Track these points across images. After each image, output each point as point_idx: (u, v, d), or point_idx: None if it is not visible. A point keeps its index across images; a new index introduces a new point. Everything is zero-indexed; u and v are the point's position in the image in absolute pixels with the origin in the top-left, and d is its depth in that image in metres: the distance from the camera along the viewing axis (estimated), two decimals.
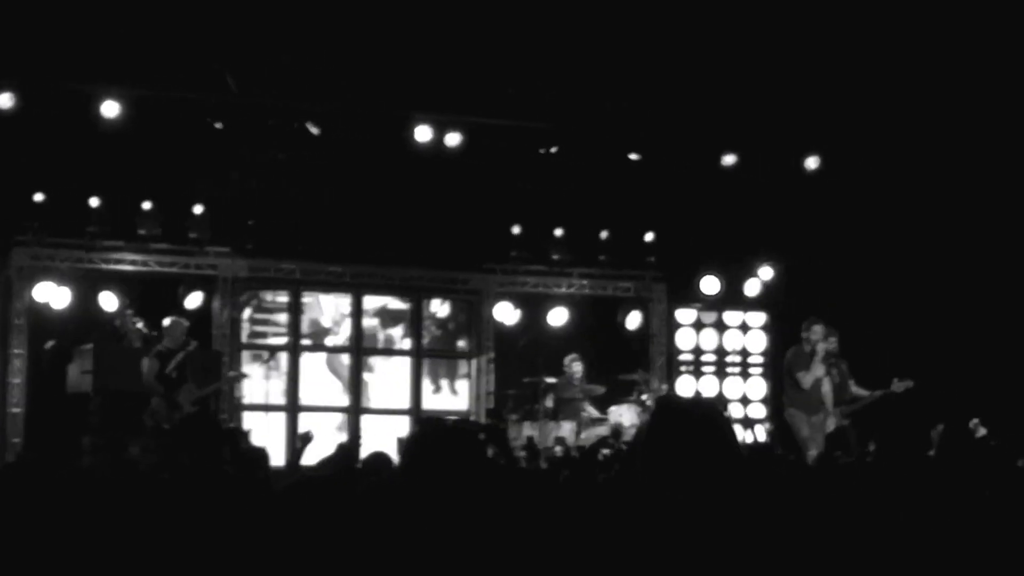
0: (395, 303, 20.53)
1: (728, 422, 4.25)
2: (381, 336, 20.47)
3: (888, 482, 7.51)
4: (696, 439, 4.08)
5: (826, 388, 16.46)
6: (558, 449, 16.61)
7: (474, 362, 20.43)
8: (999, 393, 18.29)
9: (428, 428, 4.67)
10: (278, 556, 5.52)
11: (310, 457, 11.00)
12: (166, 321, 16.70)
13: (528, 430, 18.14)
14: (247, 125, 18.68)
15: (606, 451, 13.29)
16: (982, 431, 16.20)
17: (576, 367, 18.86)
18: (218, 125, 18.46)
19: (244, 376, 18.69)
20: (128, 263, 18.71)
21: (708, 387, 21.48)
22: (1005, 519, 5.96)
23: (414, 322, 20.43)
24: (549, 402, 18.71)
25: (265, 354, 19.83)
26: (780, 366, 20.24)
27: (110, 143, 17.96)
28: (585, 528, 4.09)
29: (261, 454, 9.90)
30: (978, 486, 7.03)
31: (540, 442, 17.20)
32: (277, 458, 12.86)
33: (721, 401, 21.14)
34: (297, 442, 11.65)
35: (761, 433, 20.98)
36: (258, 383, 19.54)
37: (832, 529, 5.94)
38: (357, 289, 20.05)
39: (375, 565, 4.35)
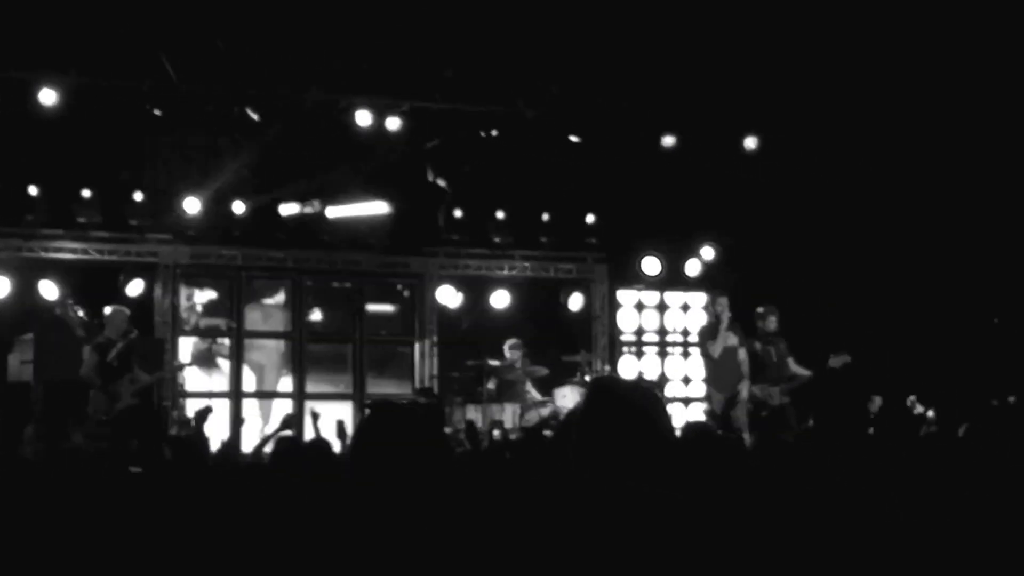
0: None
1: (662, 404, 4.26)
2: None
3: (827, 459, 7.59)
4: (629, 420, 4.09)
5: (742, 357, 16.62)
6: (496, 432, 16.66)
7: (417, 346, 20.44)
8: (935, 367, 18.53)
9: (379, 410, 4.61)
10: (218, 541, 5.55)
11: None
12: (107, 310, 16.61)
13: (472, 413, 18.22)
14: (186, 111, 18.60)
15: (549, 432, 13.34)
16: (919, 408, 16.41)
17: (516, 352, 18.92)
18: (157, 112, 18.38)
19: (186, 365, 18.61)
20: (68, 251, 18.62)
21: (650, 367, 21.58)
22: (947, 492, 6.04)
23: (356, 308, 20.41)
24: (492, 385, 18.78)
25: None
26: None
27: (48, 131, 17.82)
28: (523, 511, 4.11)
29: (199, 441, 9.94)
30: (917, 460, 7.12)
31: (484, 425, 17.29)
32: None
33: (663, 381, 21.29)
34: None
35: (701, 413, 21.14)
36: (199, 371, 19.53)
37: (770, 508, 6.01)
38: (298, 274, 20.02)
39: (319, 550, 4.35)
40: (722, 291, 17.17)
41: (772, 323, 16.89)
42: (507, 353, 18.91)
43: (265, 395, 19.81)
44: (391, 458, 4.28)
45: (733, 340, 16.67)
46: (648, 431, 4.10)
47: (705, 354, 17.08)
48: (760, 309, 17.05)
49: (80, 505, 6.28)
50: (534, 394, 18.87)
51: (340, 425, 12.02)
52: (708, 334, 16.95)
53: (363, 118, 18.80)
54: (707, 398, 17.60)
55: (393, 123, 18.98)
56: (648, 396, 4.24)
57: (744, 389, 16.49)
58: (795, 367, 16.90)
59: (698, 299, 21.75)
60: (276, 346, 20.25)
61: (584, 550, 3.86)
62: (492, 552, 4.04)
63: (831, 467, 6.78)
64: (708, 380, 17.33)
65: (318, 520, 4.93)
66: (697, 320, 21.79)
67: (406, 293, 20.94)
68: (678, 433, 14.49)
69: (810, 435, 12.00)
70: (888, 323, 19.75)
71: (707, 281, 21.33)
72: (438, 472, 4.27)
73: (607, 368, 20.56)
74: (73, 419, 15.45)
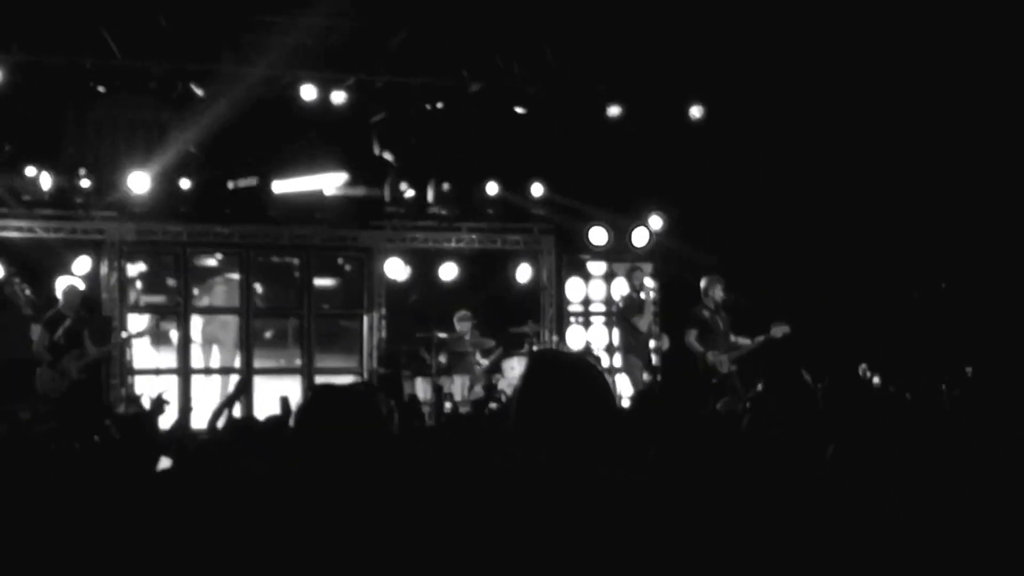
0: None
1: (602, 376, 4.24)
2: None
3: (772, 427, 7.70)
4: (568, 393, 4.08)
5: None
6: (447, 405, 16.75)
7: (365, 319, 20.46)
8: (882, 336, 18.72)
9: (321, 393, 4.66)
10: (163, 520, 5.59)
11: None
12: (61, 285, 16.58)
13: (421, 385, 18.30)
14: (129, 87, 18.55)
15: (493, 405, 13.45)
16: (868, 374, 16.64)
17: (465, 324, 19.00)
18: (100, 88, 18.32)
19: (133, 336, 18.57)
20: (13, 230, 18.53)
21: (598, 337, 21.67)
22: (895, 458, 6.13)
23: (304, 282, 20.43)
24: (442, 357, 18.85)
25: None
26: (668, 315, 20.59)
27: None
28: (455, 491, 4.16)
29: (144, 418, 9.96)
30: (867, 427, 7.21)
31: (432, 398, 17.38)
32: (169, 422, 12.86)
33: (611, 350, 21.42)
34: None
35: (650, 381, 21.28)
36: (147, 348, 19.53)
37: (718, 476, 6.09)
38: (245, 250, 20.01)
39: (261, 529, 4.38)
40: (638, 266, 17.81)
41: (718, 292, 17.12)
42: (457, 326, 18.99)
43: (212, 371, 19.85)
44: (331, 439, 4.33)
45: (650, 312, 17.38)
46: (587, 404, 4.09)
47: (628, 328, 17.54)
48: (707, 278, 17.25)
49: (28, 486, 6.32)
50: (484, 365, 18.96)
51: (284, 401, 12.05)
52: (634, 308, 17.46)
53: (308, 92, 18.78)
54: (627, 369, 18.05)
55: (338, 97, 18.98)
56: (588, 367, 4.23)
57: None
58: (735, 338, 17.12)
59: (645, 268, 21.83)
60: (235, 322, 20.22)
61: (508, 530, 3.90)
62: (425, 534, 4.09)
63: (779, 434, 6.88)
64: (626, 349, 17.82)
65: (260, 501, 4.96)
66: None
67: (348, 267, 20.96)
68: (628, 403, 14.58)
69: (757, 402, 12.14)
70: (836, 290, 19.91)
71: (654, 251, 21.48)
72: (375, 454, 4.30)
73: (555, 339, 20.65)
74: (22, 398, 15.46)
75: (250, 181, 19.29)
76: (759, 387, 16.10)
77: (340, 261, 21.07)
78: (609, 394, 4.20)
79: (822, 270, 20.10)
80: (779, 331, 16.82)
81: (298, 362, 20.13)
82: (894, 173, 19.78)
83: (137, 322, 19.38)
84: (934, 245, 20.06)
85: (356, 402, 4.47)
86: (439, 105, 19.93)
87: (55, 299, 16.46)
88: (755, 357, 17.01)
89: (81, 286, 16.76)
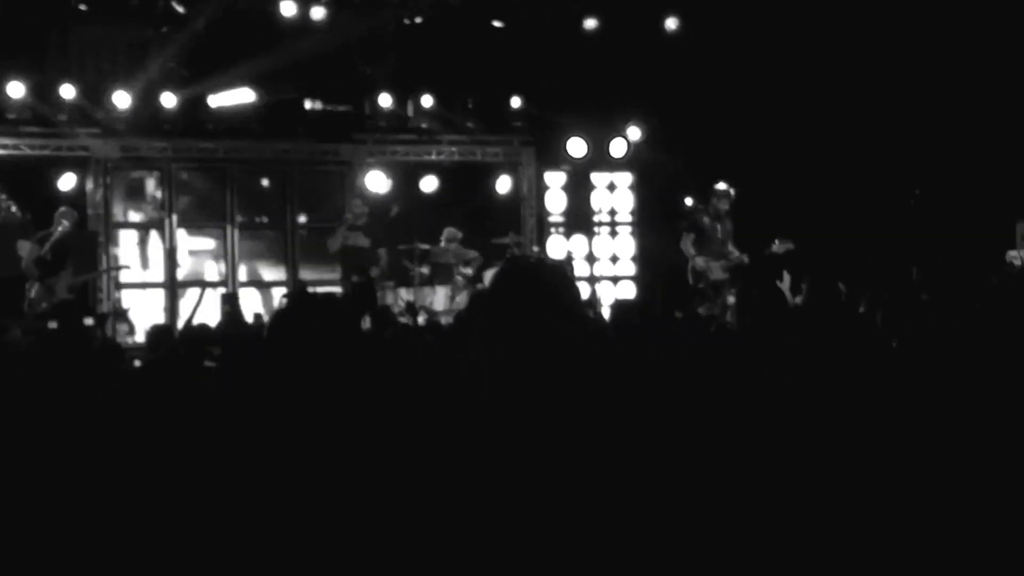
0: None
1: (572, 282, 4.19)
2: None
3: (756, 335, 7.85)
4: (537, 298, 4.05)
5: None
6: (421, 316, 16.94)
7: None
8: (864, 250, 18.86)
9: (296, 298, 4.53)
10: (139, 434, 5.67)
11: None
12: (62, 210, 16.91)
13: (404, 296, 18.53)
14: (111, 4, 18.65)
15: None
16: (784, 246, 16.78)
17: (452, 242, 19.02)
18: (82, 7, 18.42)
19: (124, 268, 18.87)
20: None
21: (578, 247, 21.93)
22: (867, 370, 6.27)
23: (287, 196, 20.62)
24: (424, 268, 19.06)
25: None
26: (648, 224, 20.86)
27: None
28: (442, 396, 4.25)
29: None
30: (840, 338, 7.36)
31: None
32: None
33: (591, 259, 21.73)
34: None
35: (631, 290, 21.58)
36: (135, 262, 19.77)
37: (699, 384, 6.30)
38: (228, 164, 20.20)
39: (234, 437, 4.35)
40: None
41: (724, 204, 17.27)
42: (443, 242, 19.07)
43: (201, 284, 20.09)
44: (306, 348, 4.28)
45: None
46: (555, 310, 4.03)
47: None
48: (718, 187, 17.38)
49: (17, 398, 6.37)
50: (466, 276, 19.13)
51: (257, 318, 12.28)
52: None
53: (288, 9, 18.91)
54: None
55: (318, 12, 19.11)
56: (557, 272, 4.15)
57: None
58: (732, 248, 17.31)
59: (624, 179, 22.09)
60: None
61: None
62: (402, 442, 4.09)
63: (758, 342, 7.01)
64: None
65: (226, 408, 5.08)
66: (624, 200, 22.15)
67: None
68: (607, 311, 14.83)
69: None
70: (818, 200, 19.99)
71: (633, 161, 21.69)
72: (351, 362, 4.33)
73: (536, 249, 20.86)
74: (9, 314, 15.67)
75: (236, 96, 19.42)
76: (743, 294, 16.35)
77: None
78: (576, 298, 4.15)
79: (805, 178, 20.14)
80: (782, 248, 16.89)
81: (283, 275, 20.34)
82: (873, 79, 19.84)
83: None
84: (917, 152, 20.12)
85: (333, 309, 4.39)
86: (418, 20, 20.05)
87: (43, 216, 16.70)
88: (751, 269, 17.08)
89: (75, 212, 17.08)
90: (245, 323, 14.61)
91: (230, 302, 17.65)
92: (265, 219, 20.89)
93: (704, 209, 17.43)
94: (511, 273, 4.22)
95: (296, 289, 17.36)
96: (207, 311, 16.57)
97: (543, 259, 4.76)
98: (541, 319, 4.02)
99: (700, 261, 17.14)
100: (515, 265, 4.36)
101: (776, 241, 17.00)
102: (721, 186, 17.43)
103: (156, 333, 10.93)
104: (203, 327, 10.16)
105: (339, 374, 4.24)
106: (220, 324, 13.60)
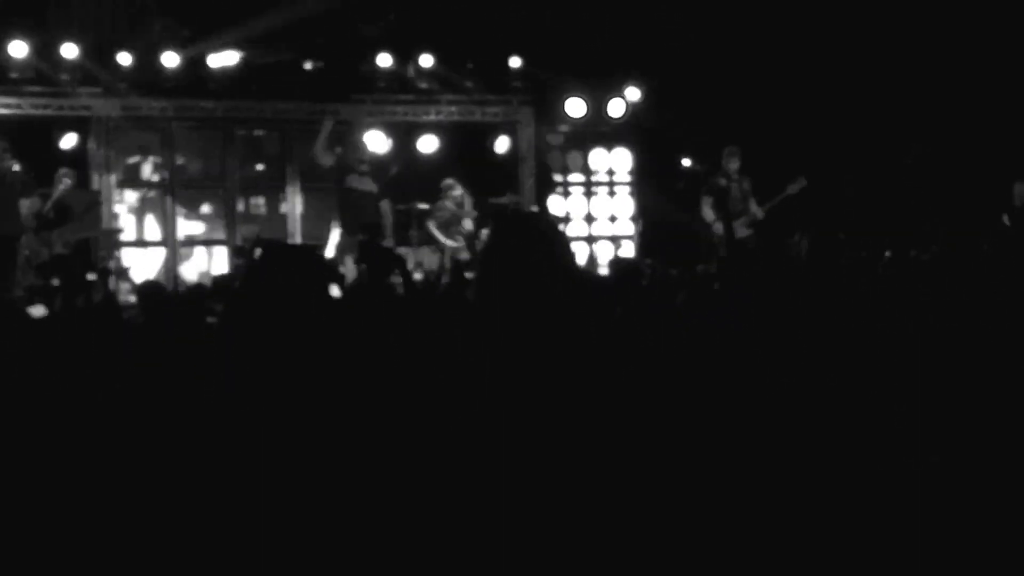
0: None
1: (563, 235, 4.29)
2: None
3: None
4: (530, 250, 4.11)
5: None
6: (417, 275, 16.99)
7: None
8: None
9: (269, 250, 4.48)
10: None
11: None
12: (63, 171, 17.02)
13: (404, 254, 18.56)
14: None
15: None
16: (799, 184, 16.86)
17: (456, 191, 19.01)
18: None
19: (119, 230, 18.97)
20: (1, 107, 18.81)
21: (577, 207, 22.04)
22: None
23: (287, 154, 20.71)
24: (431, 225, 19.08)
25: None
26: (646, 183, 20.94)
27: None
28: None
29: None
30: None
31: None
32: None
33: (589, 219, 21.84)
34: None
35: (629, 249, 21.69)
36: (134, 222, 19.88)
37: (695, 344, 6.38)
38: (228, 124, 20.28)
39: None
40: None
41: (735, 162, 17.24)
42: (445, 192, 18.95)
43: (197, 243, 20.23)
44: (276, 299, 4.24)
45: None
46: (549, 262, 4.10)
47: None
48: (725, 150, 17.39)
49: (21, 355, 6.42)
50: (467, 231, 19.09)
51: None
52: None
53: None
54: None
55: None
56: (547, 226, 4.26)
57: None
58: (755, 207, 17.32)
59: (622, 138, 22.17)
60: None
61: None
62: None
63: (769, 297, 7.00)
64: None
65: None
66: (623, 160, 22.24)
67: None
68: (605, 269, 14.91)
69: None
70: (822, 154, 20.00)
71: (631, 121, 21.76)
72: (321, 312, 4.31)
73: (535, 209, 20.94)
74: (9, 273, 15.76)
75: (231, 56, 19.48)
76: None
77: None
78: (569, 254, 4.19)
79: (804, 139, 20.17)
80: (796, 187, 16.93)
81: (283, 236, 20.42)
82: (872, 39, 19.88)
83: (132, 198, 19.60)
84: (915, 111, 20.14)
85: (305, 259, 4.36)
86: None
87: (46, 175, 16.81)
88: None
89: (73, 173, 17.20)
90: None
91: (242, 255, 17.74)
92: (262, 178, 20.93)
93: (717, 171, 17.42)
94: (506, 226, 4.29)
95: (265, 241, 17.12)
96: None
97: (537, 213, 4.75)
98: (536, 271, 4.07)
99: (719, 226, 17.09)
100: (510, 218, 4.56)
101: (789, 184, 17.03)
102: (726, 149, 17.41)
103: (147, 290, 11.02)
104: (199, 285, 10.25)
105: (314, 334, 4.19)
106: (226, 277, 13.69)
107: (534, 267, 4.09)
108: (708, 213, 17.23)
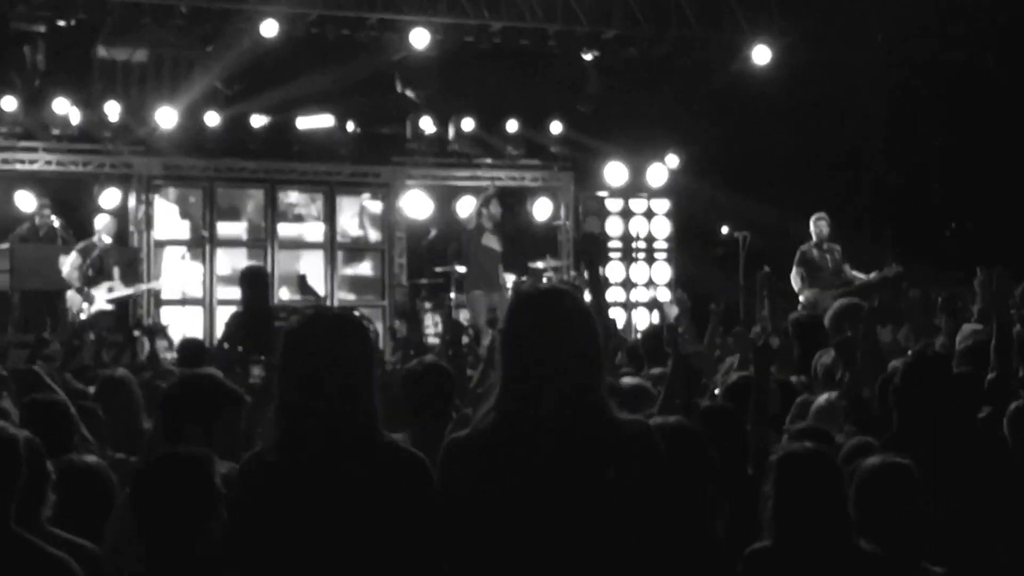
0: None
1: (584, 309, 4.24)
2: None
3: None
4: (543, 323, 4.10)
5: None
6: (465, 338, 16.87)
7: (385, 254, 20.79)
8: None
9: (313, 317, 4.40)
10: None
11: None
12: (102, 218, 17.15)
13: (439, 318, 18.54)
14: (157, 23, 18.84)
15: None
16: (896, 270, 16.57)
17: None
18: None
19: (158, 288, 19.03)
20: (44, 163, 18.95)
21: (615, 272, 21.98)
22: None
23: (327, 215, 20.76)
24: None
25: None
26: (684, 250, 20.85)
27: (18, 44, 18.20)
28: None
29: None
30: None
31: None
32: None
33: (627, 285, 21.78)
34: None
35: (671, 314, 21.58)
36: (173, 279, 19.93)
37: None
38: (271, 184, 20.36)
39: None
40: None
41: (824, 228, 16.91)
42: None
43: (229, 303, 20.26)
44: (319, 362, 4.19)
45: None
46: (564, 337, 4.08)
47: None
48: (816, 215, 17.09)
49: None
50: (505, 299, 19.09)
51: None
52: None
53: (332, 31, 19.04)
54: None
55: (361, 35, 19.22)
56: (561, 297, 4.21)
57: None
58: (851, 272, 16.91)
59: (661, 206, 22.16)
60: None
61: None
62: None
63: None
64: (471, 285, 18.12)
65: None
66: (661, 226, 22.21)
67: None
68: (639, 336, 14.68)
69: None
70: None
71: (671, 188, 21.77)
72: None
73: (573, 275, 20.89)
74: (50, 328, 15.83)
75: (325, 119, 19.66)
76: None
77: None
78: (590, 326, 4.16)
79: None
80: (893, 271, 16.53)
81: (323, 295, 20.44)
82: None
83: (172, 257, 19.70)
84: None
85: (349, 326, 4.30)
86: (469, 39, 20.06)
87: (85, 231, 16.95)
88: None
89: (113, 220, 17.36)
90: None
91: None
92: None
93: (809, 241, 17.07)
94: (520, 306, 4.27)
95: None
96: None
97: (555, 288, 4.62)
98: (550, 353, 4.04)
99: (807, 293, 16.82)
100: (523, 297, 4.38)
101: (891, 265, 16.78)
102: (816, 216, 17.09)
103: (188, 346, 11.27)
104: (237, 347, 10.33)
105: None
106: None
107: (550, 353, 4.06)
108: (796, 282, 16.85)
